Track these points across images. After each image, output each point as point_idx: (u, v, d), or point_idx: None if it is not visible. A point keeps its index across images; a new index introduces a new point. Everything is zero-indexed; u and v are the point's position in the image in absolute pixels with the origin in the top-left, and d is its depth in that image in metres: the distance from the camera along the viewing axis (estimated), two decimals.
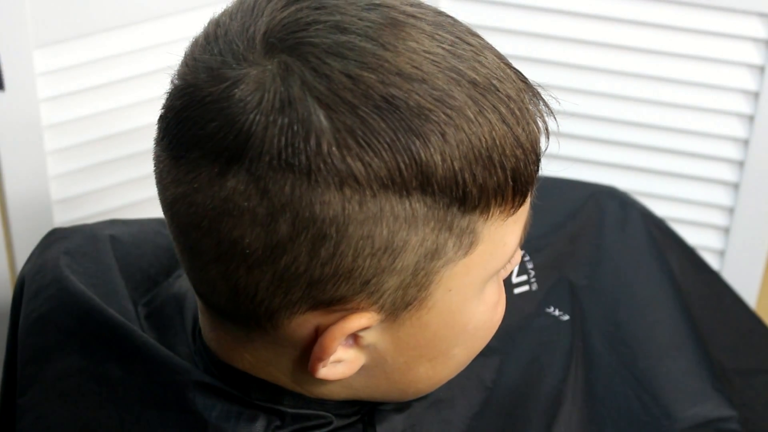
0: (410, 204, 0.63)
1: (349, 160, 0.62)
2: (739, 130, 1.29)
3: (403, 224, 0.63)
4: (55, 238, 0.91)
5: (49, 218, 1.22)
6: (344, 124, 0.62)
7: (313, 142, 0.62)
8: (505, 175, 0.65)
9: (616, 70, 1.30)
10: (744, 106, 1.28)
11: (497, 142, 0.64)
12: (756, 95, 1.27)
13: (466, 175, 0.63)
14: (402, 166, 0.62)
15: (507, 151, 0.65)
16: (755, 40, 1.25)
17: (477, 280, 0.69)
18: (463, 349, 0.73)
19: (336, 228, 0.62)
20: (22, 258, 1.21)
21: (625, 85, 1.30)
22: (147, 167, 1.24)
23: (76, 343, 0.79)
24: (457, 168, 0.63)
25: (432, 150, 0.62)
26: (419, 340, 0.70)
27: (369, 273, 0.64)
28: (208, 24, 0.69)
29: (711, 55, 1.27)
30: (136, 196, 1.26)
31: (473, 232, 0.66)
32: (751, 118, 1.28)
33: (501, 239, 0.68)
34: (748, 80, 1.27)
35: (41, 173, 1.19)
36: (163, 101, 0.69)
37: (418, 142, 0.62)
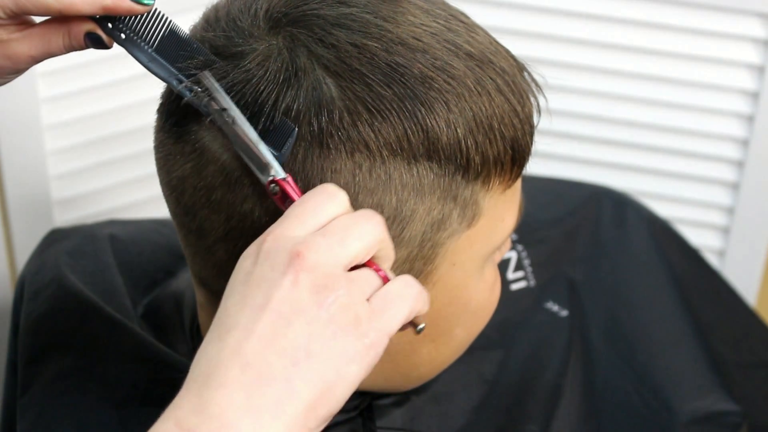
0: (417, 171, 0.64)
1: (360, 126, 0.63)
2: (738, 130, 1.29)
3: (411, 192, 0.64)
4: (55, 238, 0.91)
5: (49, 218, 1.22)
6: (353, 91, 0.63)
7: (324, 109, 0.63)
8: (505, 144, 0.67)
9: (616, 70, 1.30)
10: (744, 106, 1.28)
11: (496, 111, 0.66)
12: (756, 95, 1.27)
13: (469, 143, 0.65)
14: (409, 132, 0.63)
15: (506, 120, 0.66)
16: (755, 40, 1.25)
17: (478, 256, 0.70)
18: (464, 330, 0.74)
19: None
20: (22, 258, 1.21)
21: (625, 85, 1.30)
22: (147, 167, 1.25)
23: (76, 343, 0.79)
24: (460, 135, 0.65)
25: (437, 117, 0.64)
26: (424, 318, 0.70)
27: None
28: (207, 10, 0.69)
29: (711, 55, 1.27)
30: (136, 196, 1.26)
31: (476, 203, 0.67)
32: (750, 118, 1.28)
33: (500, 215, 0.70)
34: (747, 80, 1.27)
35: (41, 173, 1.19)
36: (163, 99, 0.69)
37: (423, 109, 0.64)
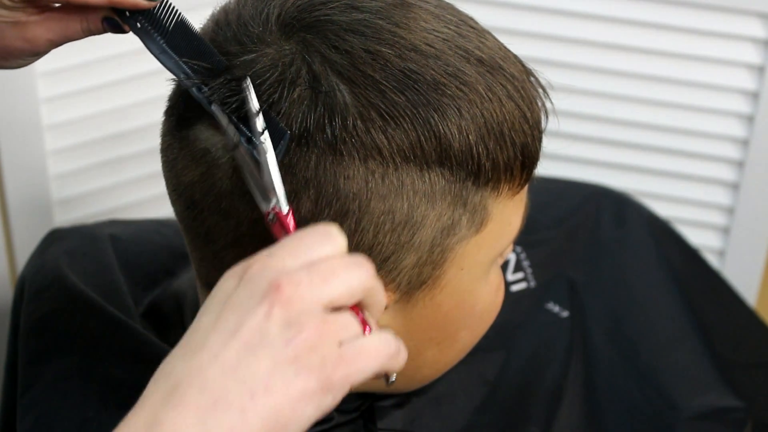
0: (429, 178, 0.65)
1: (373, 133, 0.63)
2: (738, 130, 1.29)
3: (422, 198, 0.65)
4: (55, 238, 0.91)
5: (49, 218, 1.22)
6: (367, 98, 0.63)
7: (337, 116, 0.63)
8: (515, 150, 0.67)
9: (616, 70, 1.30)
10: (744, 106, 1.28)
11: (507, 117, 0.66)
12: (755, 95, 1.27)
13: (480, 149, 0.65)
14: (422, 139, 0.64)
15: (516, 126, 0.67)
16: (755, 40, 1.25)
17: (485, 260, 0.71)
18: (469, 332, 0.75)
19: (359, 203, 0.64)
20: (22, 258, 1.21)
21: (625, 85, 1.30)
22: (147, 167, 1.25)
23: (77, 343, 0.79)
24: (472, 141, 0.65)
25: (449, 123, 0.64)
26: (430, 322, 0.71)
27: (389, 249, 0.66)
28: (216, 12, 0.69)
29: (711, 55, 1.27)
30: (136, 196, 1.26)
31: (485, 208, 0.67)
32: (750, 118, 1.28)
33: (507, 219, 0.70)
34: (747, 80, 1.27)
35: (41, 173, 1.19)
36: (164, 100, 0.69)
37: (436, 116, 0.64)
